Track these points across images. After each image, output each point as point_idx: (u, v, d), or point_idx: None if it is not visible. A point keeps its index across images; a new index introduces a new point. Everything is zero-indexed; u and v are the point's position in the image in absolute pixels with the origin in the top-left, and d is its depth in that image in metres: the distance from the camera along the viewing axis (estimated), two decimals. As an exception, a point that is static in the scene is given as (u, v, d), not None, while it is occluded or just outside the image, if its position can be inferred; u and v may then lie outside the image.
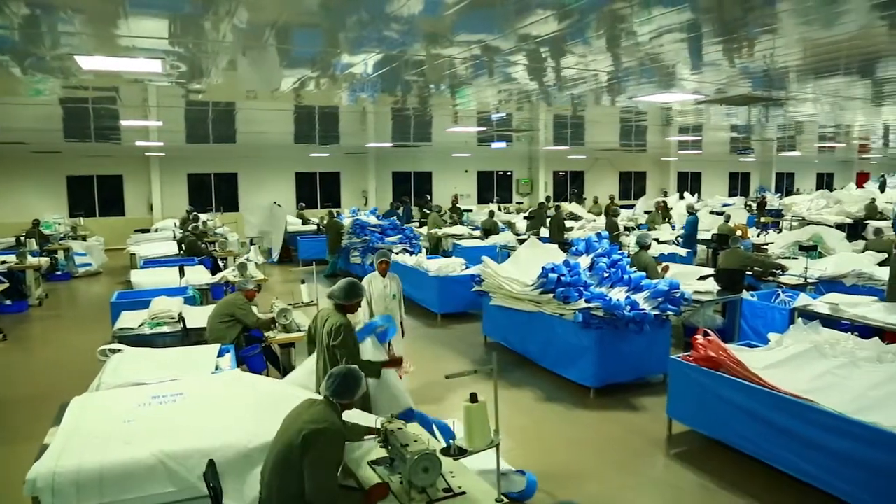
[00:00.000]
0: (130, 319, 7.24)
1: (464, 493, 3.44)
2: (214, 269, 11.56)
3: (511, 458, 5.56)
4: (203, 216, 17.25)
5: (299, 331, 6.96)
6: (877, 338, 6.18)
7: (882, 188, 24.55)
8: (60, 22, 4.84)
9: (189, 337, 7.00)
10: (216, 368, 5.49)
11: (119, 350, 5.75)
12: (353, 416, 4.01)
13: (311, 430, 3.32)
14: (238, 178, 22.50)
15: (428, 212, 20.09)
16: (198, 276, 10.26)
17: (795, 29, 5.22)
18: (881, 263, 9.93)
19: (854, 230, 17.96)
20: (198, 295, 9.19)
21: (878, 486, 4.33)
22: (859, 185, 28.14)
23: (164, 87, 8.33)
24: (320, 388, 3.68)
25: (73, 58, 5.95)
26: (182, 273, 9.92)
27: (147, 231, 17.50)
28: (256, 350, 6.74)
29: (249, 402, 4.41)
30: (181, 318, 7.19)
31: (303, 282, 8.02)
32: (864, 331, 6.88)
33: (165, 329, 7.08)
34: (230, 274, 10.19)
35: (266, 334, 6.91)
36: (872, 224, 16.71)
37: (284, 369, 6.71)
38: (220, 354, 5.89)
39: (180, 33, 5.26)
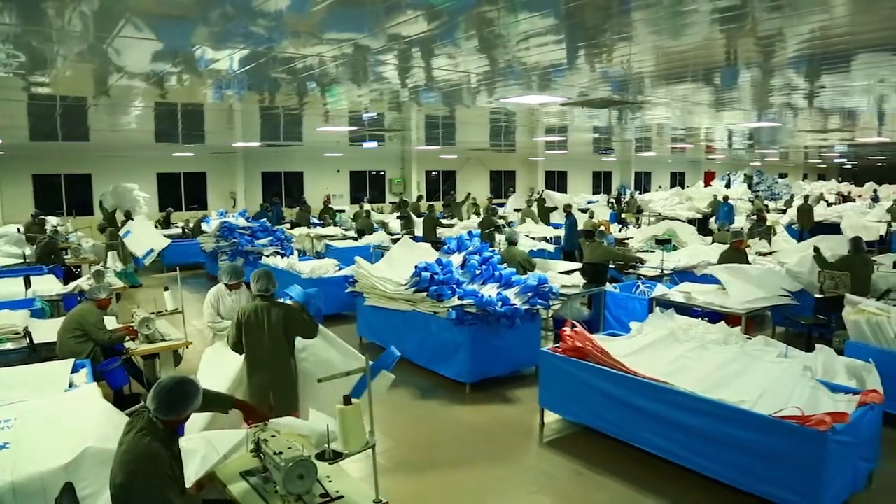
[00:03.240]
0: (-36, 337, 6.53)
1: (341, 496, 3.39)
2: (67, 278, 10.69)
3: (389, 457, 5.57)
4: (53, 220, 15.93)
5: (163, 340, 6.58)
6: (723, 322, 6.75)
7: (728, 185, 26.89)
8: None
9: (37, 353, 6.35)
10: (70, 386, 5.07)
11: (-49, 372, 5.18)
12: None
13: (122, 472, 3.05)
14: (92, 180, 20.89)
15: (301, 212, 19.63)
16: (47, 285, 9.43)
17: (648, 37, 5.58)
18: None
19: (703, 224, 19.54)
20: (48, 307, 8.44)
21: (728, 458, 4.70)
22: (707, 182, 30.63)
23: None
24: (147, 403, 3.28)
25: None
26: (28, 283, 9.08)
27: (-15, 238, 15.85)
28: (116, 363, 6.27)
29: (106, 420, 4.11)
30: (27, 333, 6.54)
31: (166, 289, 7.57)
32: (713, 316, 7.49)
33: (8, 346, 6.42)
34: (85, 283, 9.44)
35: (126, 345, 6.45)
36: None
37: (149, 382, 6.30)
38: (75, 370, 5.44)
39: (15, 18, 4.79)
